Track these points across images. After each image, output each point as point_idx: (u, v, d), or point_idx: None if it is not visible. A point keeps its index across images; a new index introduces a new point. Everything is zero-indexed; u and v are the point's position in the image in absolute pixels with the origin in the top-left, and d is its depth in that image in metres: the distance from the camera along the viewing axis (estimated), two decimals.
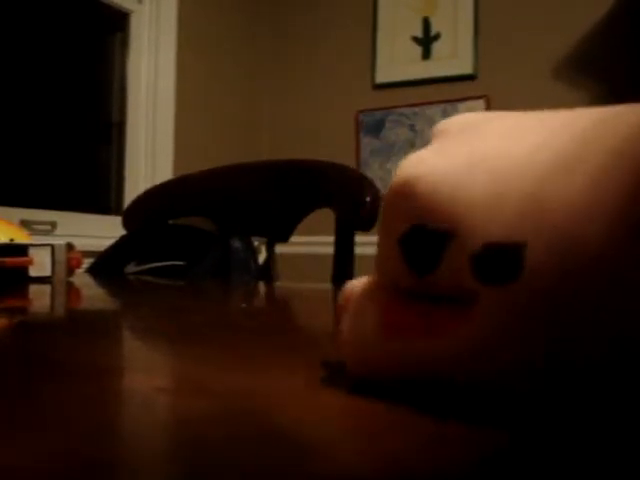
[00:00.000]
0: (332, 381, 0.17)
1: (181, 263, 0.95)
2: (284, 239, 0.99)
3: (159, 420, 0.13)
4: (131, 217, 1.14)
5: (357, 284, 0.18)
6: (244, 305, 0.42)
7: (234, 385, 0.16)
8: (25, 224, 1.86)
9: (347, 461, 0.11)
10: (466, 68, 2.47)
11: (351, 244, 0.92)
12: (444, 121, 0.17)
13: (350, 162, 2.64)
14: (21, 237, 0.73)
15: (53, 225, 1.98)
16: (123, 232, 1.12)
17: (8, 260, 0.61)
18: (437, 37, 2.53)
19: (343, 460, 0.11)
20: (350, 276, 0.91)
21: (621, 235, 0.11)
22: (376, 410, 0.14)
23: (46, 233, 1.94)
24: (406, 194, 0.15)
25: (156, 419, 0.13)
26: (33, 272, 0.64)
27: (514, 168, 0.13)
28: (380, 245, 0.16)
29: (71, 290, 0.55)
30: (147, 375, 0.18)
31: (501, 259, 0.12)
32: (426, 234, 0.14)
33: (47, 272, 0.65)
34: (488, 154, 0.14)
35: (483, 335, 0.13)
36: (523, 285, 0.12)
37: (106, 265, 0.99)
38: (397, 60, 2.60)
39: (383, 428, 0.13)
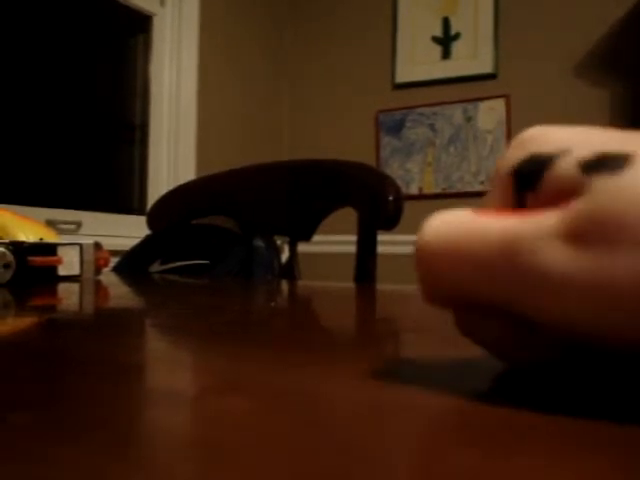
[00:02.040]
0: (377, 377, 0.17)
1: (205, 262, 0.96)
2: (306, 238, 1.00)
3: (213, 421, 0.13)
4: (155, 217, 1.15)
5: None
6: (273, 304, 0.42)
7: (279, 384, 0.16)
8: (51, 224, 1.88)
9: (399, 466, 0.10)
10: (486, 67, 2.45)
11: (373, 243, 0.92)
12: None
13: (370, 162, 2.64)
14: (50, 237, 0.74)
15: (78, 225, 2.01)
16: (146, 231, 1.13)
17: (38, 259, 0.62)
18: (457, 37, 2.52)
19: (394, 464, 0.10)
20: (372, 275, 0.91)
21: None
22: (429, 406, 0.15)
23: (71, 232, 1.96)
24: (529, 138, 0.16)
25: (209, 420, 0.13)
26: (62, 271, 0.64)
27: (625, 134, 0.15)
28: (490, 195, 0.17)
29: (99, 289, 0.55)
30: (188, 374, 0.18)
31: (611, 158, 0.13)
32: (539, 157, 0.15)
33: (75, 271, 0.66)
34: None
35: (582, 225, 0.13)
36: (633, 173, 0.13)
37: (131, 264, 1.00)
38: (417, 60, 2.60)
39: (435, 427, 0.13)
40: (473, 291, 0.15)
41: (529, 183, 0.15)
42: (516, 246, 0.14)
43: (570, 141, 0.15)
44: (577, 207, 0.13)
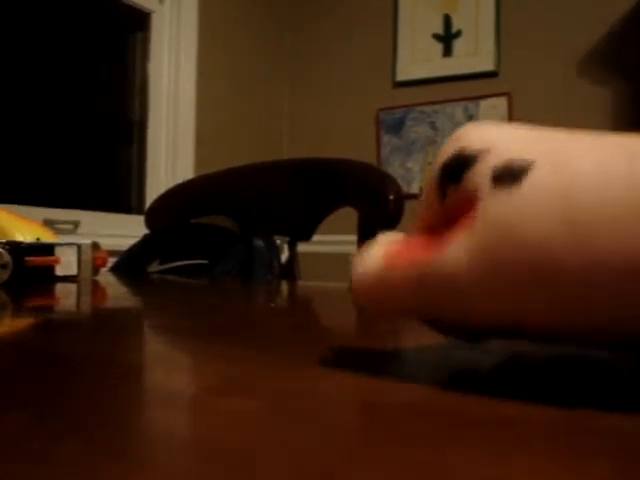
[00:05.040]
0: (378, 377, 0.17)
1: (204, 262, 0.95)
2: (306, 238, 0.99)
3: (212, 420, 0.13)
4: (154, 216, 1.14)
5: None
6: (273, 304, 0.42)
7: (279, 385, 0.16)
8: (48, 223, 1.88)
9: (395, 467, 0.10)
10: (487, 65, 2.45)
11: None
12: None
13: (371, 160, 2.64)
14: (47, 237, 0.73)
15: (76, 224, 2.01)
16: (144, 231, 1.12)
17: (35, 259, 0.61)
18: (458, 34, 2.52)
19: (390, 467, 0.10)
20: None
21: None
22: (426, 407, 0.14)
23: (69, 232, 1.96)
24: (460, 136, 0.18)
25: (209, 419, 0.13)
26: (59, 271, 0.64)
27: (549, 133, 0.17)
28: (425, 185, 0.19)
29: (97, 289, 0.55)
30: (189, 375, 0.18)
31: (513, 168, 0.15)
32: (465, 153, 0.17)
33: (73, 271, 0.66)
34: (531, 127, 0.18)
35: (479, 234, 0.15)
36: (524, 189, 0.15)
37: (129, 264, 1.00)
38: (418, 58, 2.60)
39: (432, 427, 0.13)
40: (401, 312, 0.18)
41: (452, 178, 0.17)
42: (431, 282, 0.17)
43: (494, 141, 0.17)
44: (477, 219, 0.16)
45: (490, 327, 0.16)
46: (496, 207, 0.15)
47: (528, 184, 0.15)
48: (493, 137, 0.17)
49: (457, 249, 0.16)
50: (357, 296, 0.19)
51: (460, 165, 0.17)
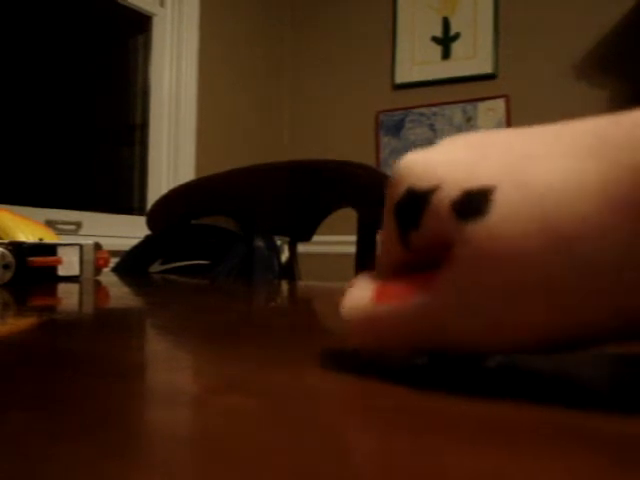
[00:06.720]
0: (378, 377, 0.18)
1: (205, 262, 0.96)
2: (306, 239, 1.00)
3: (213, 419, 0.13)
4: (155, 217, 1.15)
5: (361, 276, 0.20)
6: (273, 304, 0.42)
7: (279, 384, 0.16)
8: (51, 224, 1.88)
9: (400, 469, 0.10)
10: (486, 67, 2.45)
11: (373, 243, 0.92)
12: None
13: (370, 162, 2.64)
14: (50, 237, 0.74)
15: (78, 225, 2.01)
16: (146, 232, 1.13)
17: (37, 260, 0.62)
18: (457, 37, 2.52)
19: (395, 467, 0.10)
20: None
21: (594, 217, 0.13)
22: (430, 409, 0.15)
23: (71, 233, 1.96)
24: (405, 171, 0.17)
25: (209, 418, 0.13)
26: (62, 271, 0.65)
27: (496, 144, 0.16)
28: (383, 230, 0.19)
29: (99, 289, 0.55)
30: (190, 374, 0.18)
31: (475, 199, 0.14)
32: (415, 194, 0.16)
33: (75, 271, 0.66)
34: (474, 140, 0.17)
35: (463, 272, 0.15)
36: (494, 217, 0.14)
37: (131, 264, 1.00)
38: (417, 60, 2.60)
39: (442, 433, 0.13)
40: (393, 349, 0.18)
41: (410, 224, 0.16)
42: (421, 324, 0.16)
43: (441, 172, 0.16)
44: (455, 257, 0.15)
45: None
46: (471, 243, 0.14)
47: (497, 213, 0.14)
48: (439, 166, 0.16)
49: (444, 291, 0.15)
50: (351, 333, 0.18)
51: (414, 207, 0.16)
